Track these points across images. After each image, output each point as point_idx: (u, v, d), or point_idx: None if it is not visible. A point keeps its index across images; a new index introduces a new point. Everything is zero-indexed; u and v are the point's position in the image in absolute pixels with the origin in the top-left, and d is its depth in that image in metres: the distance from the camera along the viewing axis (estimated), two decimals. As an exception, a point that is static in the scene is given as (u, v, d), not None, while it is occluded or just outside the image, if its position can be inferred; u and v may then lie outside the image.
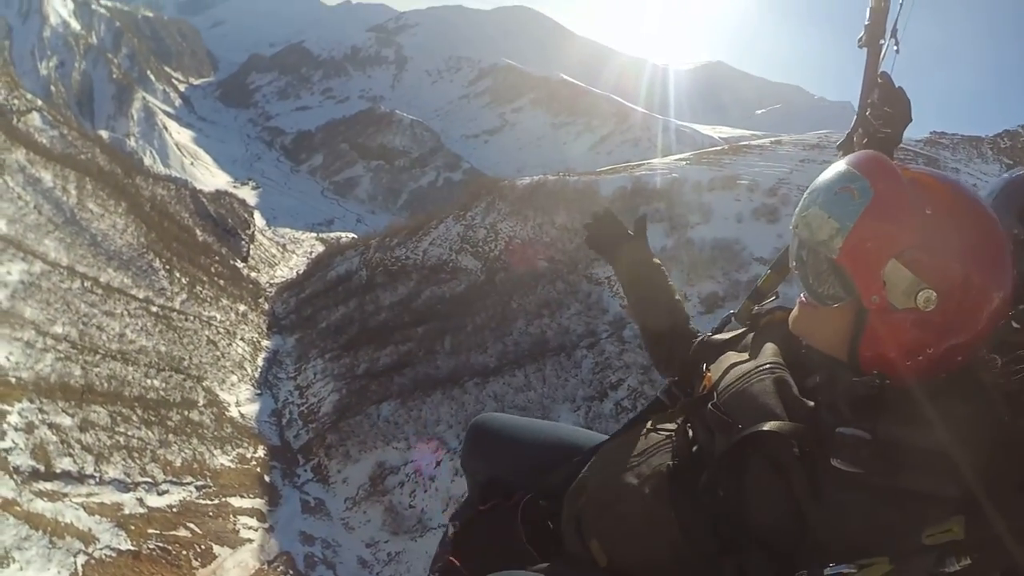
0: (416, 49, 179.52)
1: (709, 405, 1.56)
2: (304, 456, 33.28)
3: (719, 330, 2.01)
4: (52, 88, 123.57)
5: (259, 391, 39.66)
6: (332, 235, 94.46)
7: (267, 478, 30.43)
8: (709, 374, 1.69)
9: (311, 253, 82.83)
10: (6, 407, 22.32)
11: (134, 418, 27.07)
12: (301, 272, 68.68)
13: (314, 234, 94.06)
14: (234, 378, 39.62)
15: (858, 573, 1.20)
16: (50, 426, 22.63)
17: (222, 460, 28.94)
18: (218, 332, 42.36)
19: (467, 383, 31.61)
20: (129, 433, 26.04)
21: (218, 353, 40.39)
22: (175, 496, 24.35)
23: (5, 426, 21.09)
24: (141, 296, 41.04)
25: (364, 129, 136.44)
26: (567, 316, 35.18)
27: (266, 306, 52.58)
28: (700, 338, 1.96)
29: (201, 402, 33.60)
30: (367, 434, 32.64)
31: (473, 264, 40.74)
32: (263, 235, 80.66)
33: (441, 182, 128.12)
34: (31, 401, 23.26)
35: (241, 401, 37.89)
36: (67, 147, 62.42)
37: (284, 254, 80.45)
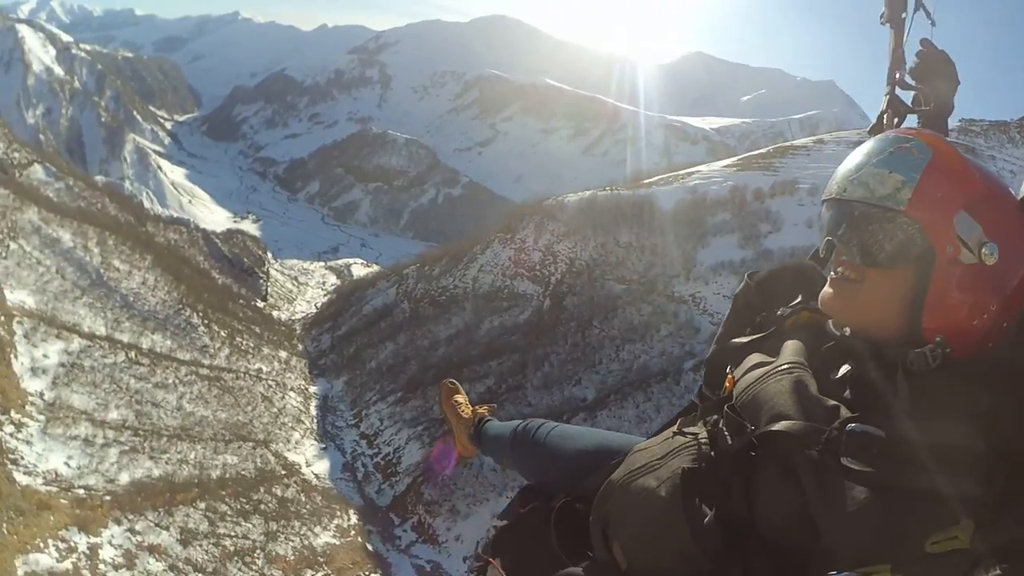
0: (399, 67, 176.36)
1: (726, 407, 1.48)
2: (398, 514, 30.41)
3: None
4: (41, 136, 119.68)
5: (323, 445, 36.82)
6: (340, 262, 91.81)
7: (369, 546, 27.85)
8: (731, 376, 1.58)
9: (324, 284, 79.93)
10: (95, 539, 19.46)
11: (228, 511, 24.26)
12: (322, 305, 65.86)
13: (322, 263, 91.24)
14: (296, 435, 36.67)
15: None
16: (151, 551, 19.78)
17: (325, 538, 26.25)
18: (268, 386, 39.41)
19: (572, 419, 28.93)
20: (232, 533, 23.37)
21: (275, 410, 37.44)
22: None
23: (103, 566, 18.24)
24: (187, 358, 38.06)
25: (358, 152, 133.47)
26: (660, 339, 32.56)
27: (299, 347, 49.68)
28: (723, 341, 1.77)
29: (280, 471, 30.75)
30: (473, 485, 29.59)
31: (532, 289, 38.00)
32: (276, 270, 77.65)
33: (442, 198, 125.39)
34: (118, 523, 20.47)
35: (310, 460, 35.00)
36: (75, 199, 59.07)
37: (299, 287, 77.51)
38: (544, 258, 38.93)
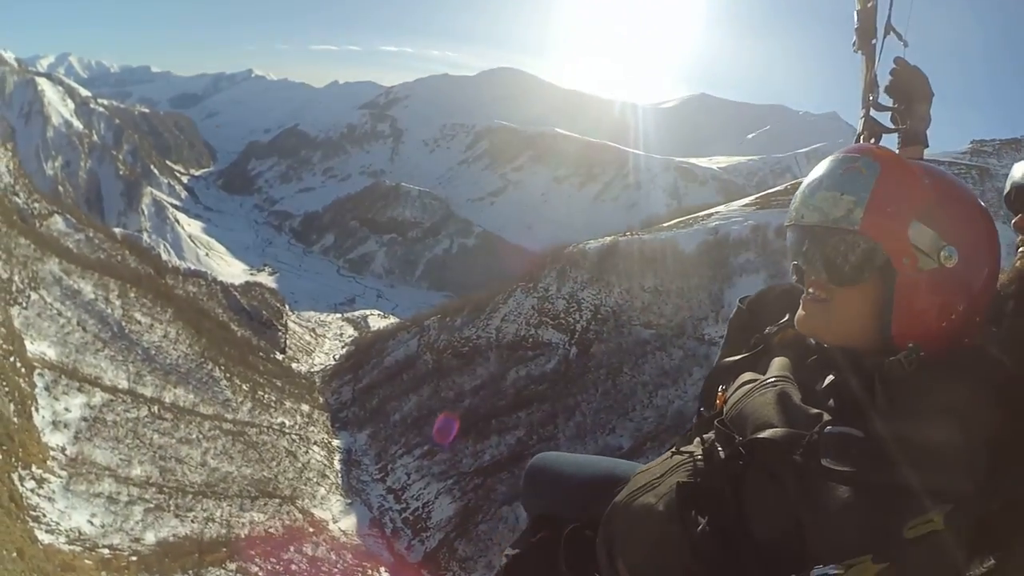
0: (410, 121, 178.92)
1: (717, 422, 1.53)
2: (431, 571, 29.47)
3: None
4: (60, 188, 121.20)
5: (349, 500, 36.04)
6: (357, 314, 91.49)
7: (401, 607, 26.87)
8: (722, 394, 1.65)
9: (341, 335, 79.53)
10: None
11: (259, 572, 23.46)
12: (341, 357, 65.40)
13: (339, 315, 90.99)
14: (322, 490, 35.93)
15: (845, 574, 1.12)
16: None
17: None
18: (292, 440, 38.81)
19: (607, 472, 28.28)
20: None
21: (299, 464, 36.77)
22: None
23: None
24: (210, 412, 37.60)
25: (372, 204, 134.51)
26: (693, 383, 31.90)
27: (320, 399, 49.15)
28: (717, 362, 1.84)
29: (308, 528, 29.96)
30: (509, 540, 28.42)
31: (558, 338, 37.55)
32: (293, 322, 77.40)
33: (456, 249, 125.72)
34: None
35: (336, 516, 34.20)
36: (95, 250, 59.19)
37: (317, 339, 77.12)
38: (568, 306, 38.53)
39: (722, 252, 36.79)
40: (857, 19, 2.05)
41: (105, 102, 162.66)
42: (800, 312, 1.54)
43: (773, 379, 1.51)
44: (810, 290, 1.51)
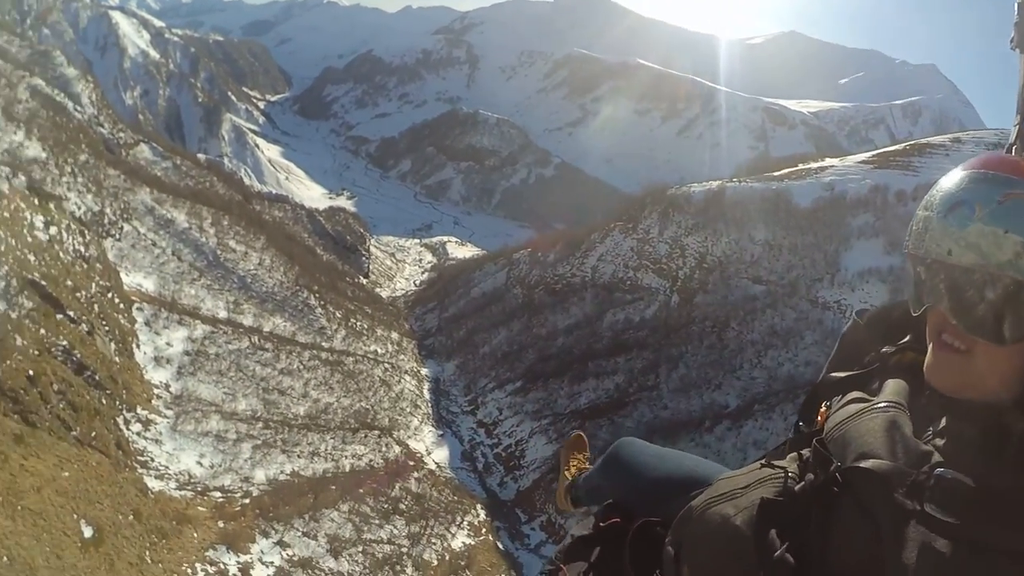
0: (486, 47, 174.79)
1: (815, 440, 1.40)
2: (525, 511, 29.46)
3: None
4: (140, 117, 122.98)
5: (440, 431, 36.18)
6: (434, 240, 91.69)
7: (500, 545, 26.86)
8: (824, 411, 1.52)
9: (420, 261, 79.82)
10: (244, 558, 18.63)
11: (371, 512, 23.51)
12: (422, 283, 65.55)
13: (416, 240, 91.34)
14: (415, 420, 36.10)
15: None
16: (302, 566, 19.08)
17: (461, 538, 25.39)
18: (385, 369, 38.87)
19: (715, 428, 27.20)
20: (378, 538, 22.61)
21: (393, 394, 36.90)
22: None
23: None
24: (306, 341, 37.50)
25: (449, 131, 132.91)
26: (805, 347, 30.40)
27: (406, 326, 49.29)
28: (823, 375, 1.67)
29: (408, 462, 30.13)
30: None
31: (658, 283, 36.19)
32: (374, 247, 77.70)
33: (533, 179, 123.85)
34: (265, 535, 19.66)
35: (430, 447, 34.36)
36: (183, 178, 59.65)
37: (397, 264, 77.50)
38: (671, 251, 36.99)
39: (838, 211, 34.58)
40: (1018, 12, 1.48)
41: (179, 32, 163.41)
42: (930, 359, 1.27)
43: (884, 404, 1.33)
44: (944, 336, 1.23)
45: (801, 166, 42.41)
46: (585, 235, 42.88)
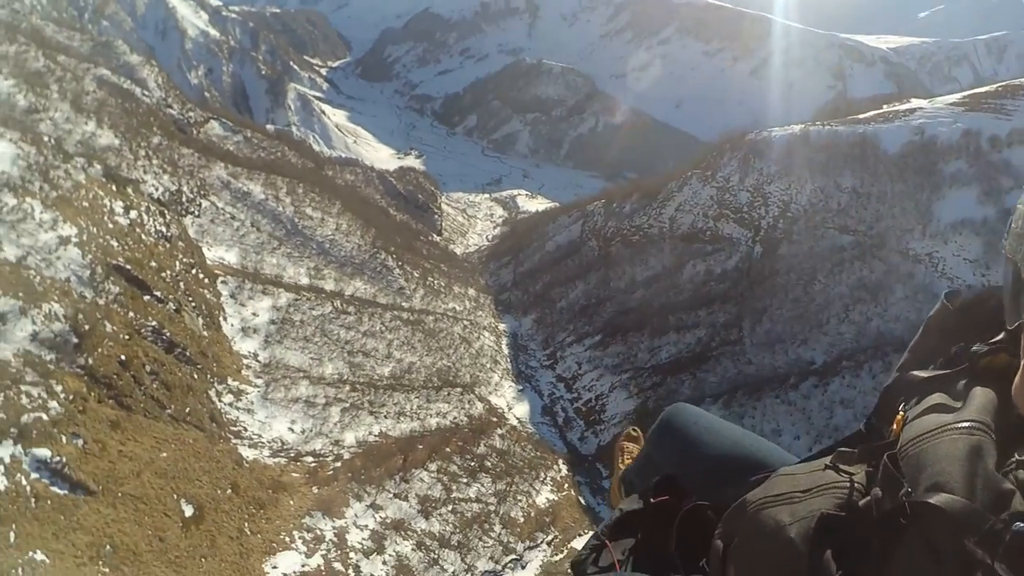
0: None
1: (886, 455, 1.27)
2: (605, 465, 29.48)
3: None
4: (207, 94, 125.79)
5: (520, 387, 36.40)
6: (504, 194, 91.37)
7: (582, 500, 26.96)
8: (900, 416, 1.35)
9: (491, 216, 79.68)
10: (340, 523, 19.03)
11: (458, 471, 23.87)
12: (495, 238, 65.45)
13: (486, 195, 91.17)
14: (495, 376, 36.42)
15: None
16: (396, 528, 19.47)
17: (545, 494, 25.62)
18: (464, 326, 39.19)
19: (800, 384, 26.36)
20: (466, 497, 22.98)
21: (473, 351, 37.24)
22: (535, 563, 21.15)
23: (353, 555, 17.97)
24: (386, 302, 38.06)
25: (513, 83, 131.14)
26: (895, 302, 29.00)
27: (481, 282, 49.49)
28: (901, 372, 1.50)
29: (491, 418, 30.50)
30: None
31: (740, 233, 35.01)
32: (445, 204, 77.86)
33: (602, 127, 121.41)
34: (358, 498, 20.07)
35: (511, 403, 34.65)
36: (255, 150, 60.71)
37: (469, 220, 77.59)
38: (752, 199, 35.63)
39: (929, 157, 32.52)
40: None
41: (236, 9, 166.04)
42: (1019, 381, 1.14)
43: (969, 424, 1.17)
44: None
45: (887, 108, 40.06)
46: (661, 184, 41.70)
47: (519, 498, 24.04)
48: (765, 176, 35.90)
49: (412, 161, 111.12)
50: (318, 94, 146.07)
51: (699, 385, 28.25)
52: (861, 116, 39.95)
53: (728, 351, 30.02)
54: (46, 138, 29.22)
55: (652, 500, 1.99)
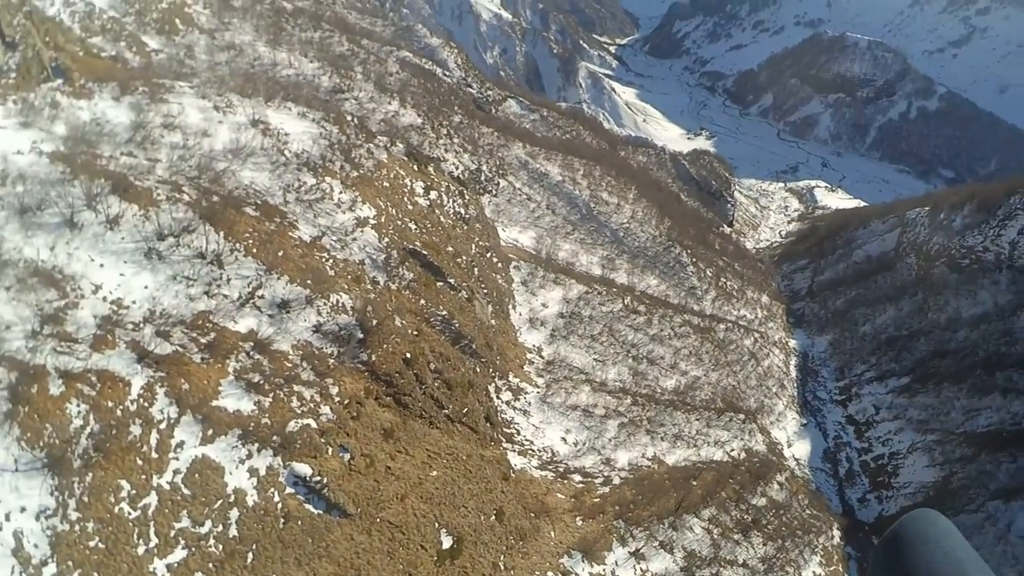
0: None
1: None
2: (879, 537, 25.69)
3: None
4: (500, 73, 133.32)
5: (804, 420, 33.14)
6: (801, 184, 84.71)
7: (852, 578, 23.77)
8: None
9: (786, 209, 74.25)
10: (598, 569, 18.06)
11: (730, 523, 21.54)
12: (789, 235, 60.70)
13: (781, 184, 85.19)
14: (780, 404, 33.43)
15: None
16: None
17: (813, 567, 22.53)
18: (755, 340, 36.25)
19: None
20: (732, 557, 20.66)
21: (760, 370, 34.46)
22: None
23: None
24: (677, 303, 35.91)
25: (814, 59, 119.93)
26: None
27: (773, 286, 45.80)
28: None
29: (771, 458, 27.99)
30: (991, 547, 23.14)
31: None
32: (739, 192, 73.61)
33: (914, 113, 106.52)
34: (622, 542, 18.75)
35: (791, 438, 31.50)
36: (551, 129, 61.68)
37: (761, 212, 72.83)
38: None
39: None
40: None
41: None
42: None
43: None
44: None
45: None
46: (1002, 195, 34.43)
47: (787, 569, 21.70)
48: None
49: (703, 143, 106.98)
50: (607, 72, 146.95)
51: (1020, 473, 22.95)
52: None
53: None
54: (349, 117, 30.06)
55: None
